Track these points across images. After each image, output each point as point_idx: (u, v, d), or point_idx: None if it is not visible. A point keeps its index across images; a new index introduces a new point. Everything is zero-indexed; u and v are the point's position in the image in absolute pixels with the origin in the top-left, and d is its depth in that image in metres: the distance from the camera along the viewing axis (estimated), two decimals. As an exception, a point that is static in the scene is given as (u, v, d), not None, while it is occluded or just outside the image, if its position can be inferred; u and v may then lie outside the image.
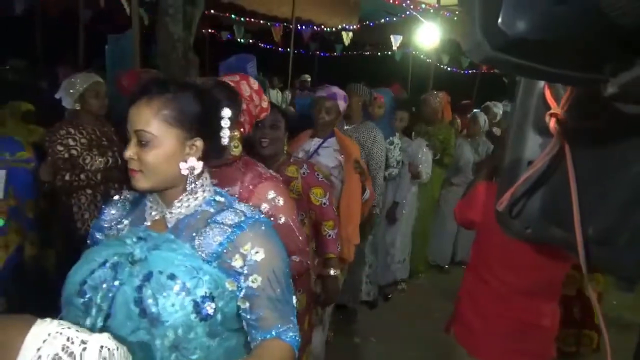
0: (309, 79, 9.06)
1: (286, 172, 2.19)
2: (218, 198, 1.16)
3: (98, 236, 1.24)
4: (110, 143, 2.84)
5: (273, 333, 1.09)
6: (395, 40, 9.23)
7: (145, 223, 1.14)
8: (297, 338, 1.12)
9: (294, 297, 1.15)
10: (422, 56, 9.38)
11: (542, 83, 0.73)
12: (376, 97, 3.69)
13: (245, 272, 1.07)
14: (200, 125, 1.09)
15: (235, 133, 1.56)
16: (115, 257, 1.07)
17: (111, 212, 1.24)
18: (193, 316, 1.01)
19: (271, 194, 1.59)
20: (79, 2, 6.41)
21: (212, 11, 8.05)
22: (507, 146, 0.80)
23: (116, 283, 1.03)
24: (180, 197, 1.12)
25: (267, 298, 1.08)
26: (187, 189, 1.12)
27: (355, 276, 3.59)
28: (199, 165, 1.11)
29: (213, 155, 1.16)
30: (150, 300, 1.00)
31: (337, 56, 11.95)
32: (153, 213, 1.15)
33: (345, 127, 3.40)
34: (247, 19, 9.19)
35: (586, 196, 0.69)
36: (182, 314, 1.00)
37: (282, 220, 1.60)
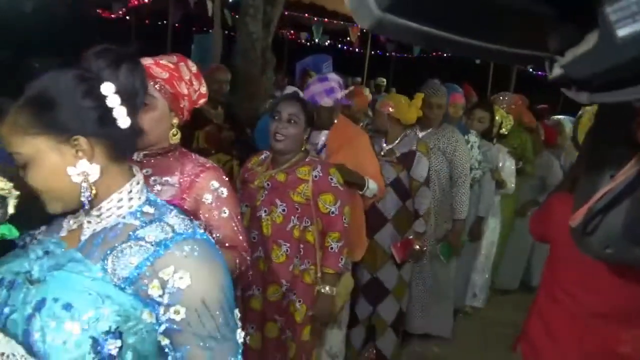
0: (384, 83, 8.80)
1: (297, 173, 2.03)
2: (146, 209, 0.93)
3: (18, 242, 1.02)
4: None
5: None
6: (477, 42, 8.89)
7: (60, 232, 0.94)
8: None
9: (237, 331, 0.92)
10: (504, 58, 8.96)
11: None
12: (455, 97, 3.44)
13: (166, 302, 0.85)
14: (76, 119, 0.85)
15: (174, 120, 1.42)
16: (12, 276, 0.89)
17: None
18: (91, 357, 0.81)
19: (215, 184, 1.44)
20: (169, 3, 6.79)
21: (291, 12, 8.20)
22: (585, 157, 0.73)
23: (6, 309, 0.86)
24: (100, 205, 0.91)
25: (193, 334, 0.85)
26: (82, 200, 0.88)
27: (447, 300, 3.34)
28: (93, 170, 0.87)
29: (123, 148, 0.93)
30: (37, 335, 0.81)
31: (414, 57, 11.74)
32: (71, 221, 0.94)
33: (421, 134, 3.10)
34: (325, 19, 9.27)
35: (677, 216, 0.61)
36: (76, 355, 0.81)
37: (226, 214, 1.45)
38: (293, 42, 11.41)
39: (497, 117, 3.70)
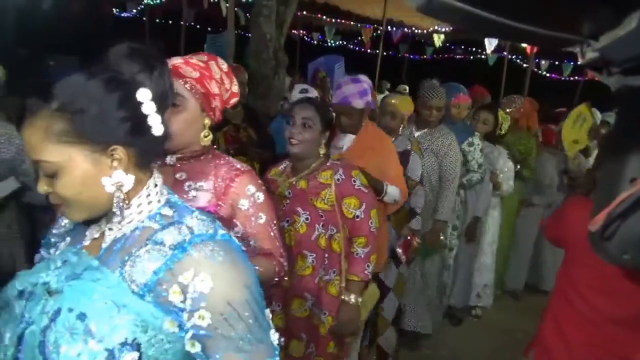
0: (407, 91, 8.61)
1: (319, 178, 1.93)
2: (165, 211, 0.89)
3: (43, 253, 1.00)
4: None
5: None
6: (490, 44, 8.85)
7: (83, 242, 0.91)
8: None
9: (271, 332, 0.87)
10: (517, 61, 8.92)
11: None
12: (459, 98, 3.36)
13: (189, 307, 0.81)
14: (112, 128, 0.81)
15: (207, 121, 1.37)
16: (31, 287, 0.86)
17: (61, 224, 1.01)
18: None
19: (251, 189, 1.38)
20: (183, 3, 6.83)
21: (304, 12, 8.22)
22: (605, 160, 0.72)
23: (25, 321, 0.83)
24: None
25: (223, 338, 0.81)
26: (115, 210, 0.85)
27: (429, 299, 3.30)
28: (128, 180, 0.84)
29: (151, 153, 0.90)
30: (52, 347, 0.78)
31: (427, 59, 11.71)
32: (94, 230, 0.90)
33: (417, 134, 3.06)
34: (338, 20, 9.28)
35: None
36: None
37: (262, 220, 1.40)
38: (305, 42, 11.44)
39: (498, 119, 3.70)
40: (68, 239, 0.95)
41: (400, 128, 2.84)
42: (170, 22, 10.21)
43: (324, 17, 9.13)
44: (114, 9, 10.47)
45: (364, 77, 2.52)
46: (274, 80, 4.51)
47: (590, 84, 9.34)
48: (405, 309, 3.19)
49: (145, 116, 0.83)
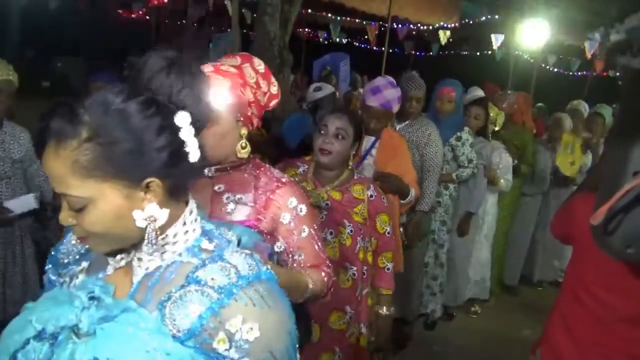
0: None
1: (352, 192, 1.92)
2: (205, 244, 0.82)
3: (51, 275, 0.92)
4: None
5: None
6: (497, 40, 8.78)
7: (106, 271, 0.82)
8: None
9: None
10: (525, 56, 8.86)
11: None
12: (442, 90, 3.33)
13: (233, 356, 0.75)
14: (149, 159, 0.72)
15: (243, 131, 1.28)
16: (55, 328, 0.76)
17: (71, 241, 0.92)
18: None
19: (293, 202, 1.32)
20: (189, 2, 6.86)
21: (309, 10, 8.22)
22: (608, 154, 0.71)
23: None
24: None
25: None
26: (145, 247, 0.78)
27: (412, 284, 3.26)
28: (162, 214, 0.77)
29: (187, 181, 0.82)
30: None
31: (433, 56, 11.66)
32: (118, 257, 0.82)
33: (398, 127, 3.07)
34: (344, 17, 9.27)
35: None
36: None
37: (306, 232, 1.35)
38: (311, 40, 11.44)
39: (491, 114, 3.65)
40: (84, 263, 0.87)
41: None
42: (175, 21, 10.25)
43: (329, 14, 9.12)
44: (119, 10, 10.52)
45: (394, 81, 2.60)
46: (279, 79, 4.52)
47: (599, 80, 9.26)
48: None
49: (183, 142, 0.75)
